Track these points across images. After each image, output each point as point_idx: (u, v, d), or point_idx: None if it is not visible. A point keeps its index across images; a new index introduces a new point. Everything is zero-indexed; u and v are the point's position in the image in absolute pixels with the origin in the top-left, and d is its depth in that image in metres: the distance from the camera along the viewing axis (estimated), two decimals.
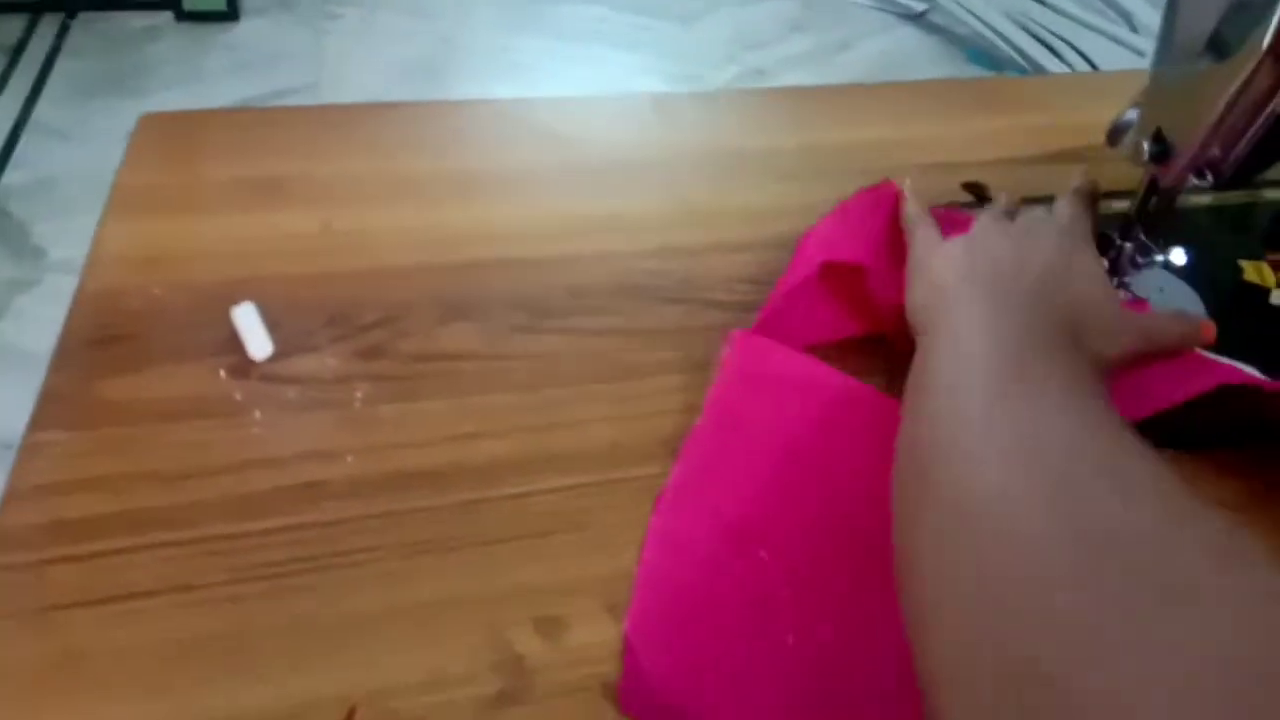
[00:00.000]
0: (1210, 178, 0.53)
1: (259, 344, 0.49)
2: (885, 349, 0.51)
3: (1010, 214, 0.51)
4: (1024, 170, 0.64)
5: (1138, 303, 0.53)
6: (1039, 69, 2.09)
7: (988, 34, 2.20)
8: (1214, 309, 0.54)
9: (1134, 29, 2.17)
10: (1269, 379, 0.47)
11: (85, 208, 0.56)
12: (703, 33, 2.29)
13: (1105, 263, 0.50)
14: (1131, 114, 0.54)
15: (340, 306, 0.52)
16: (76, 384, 0.47)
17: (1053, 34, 2.15)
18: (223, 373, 0.48)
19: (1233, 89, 0.48)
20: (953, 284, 0.44)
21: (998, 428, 0.35)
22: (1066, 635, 0.28)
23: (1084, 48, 2.10)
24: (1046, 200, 0.53)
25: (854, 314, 0.52)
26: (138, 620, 0.39)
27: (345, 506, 0.43)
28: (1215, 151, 0.52)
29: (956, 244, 0.48)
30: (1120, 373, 0.45)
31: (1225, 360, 0.48)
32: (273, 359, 0.49)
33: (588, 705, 0.38)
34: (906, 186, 0.54)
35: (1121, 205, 0.57)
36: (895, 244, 0.52)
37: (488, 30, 2.23)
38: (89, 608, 0.39)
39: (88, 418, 0.46)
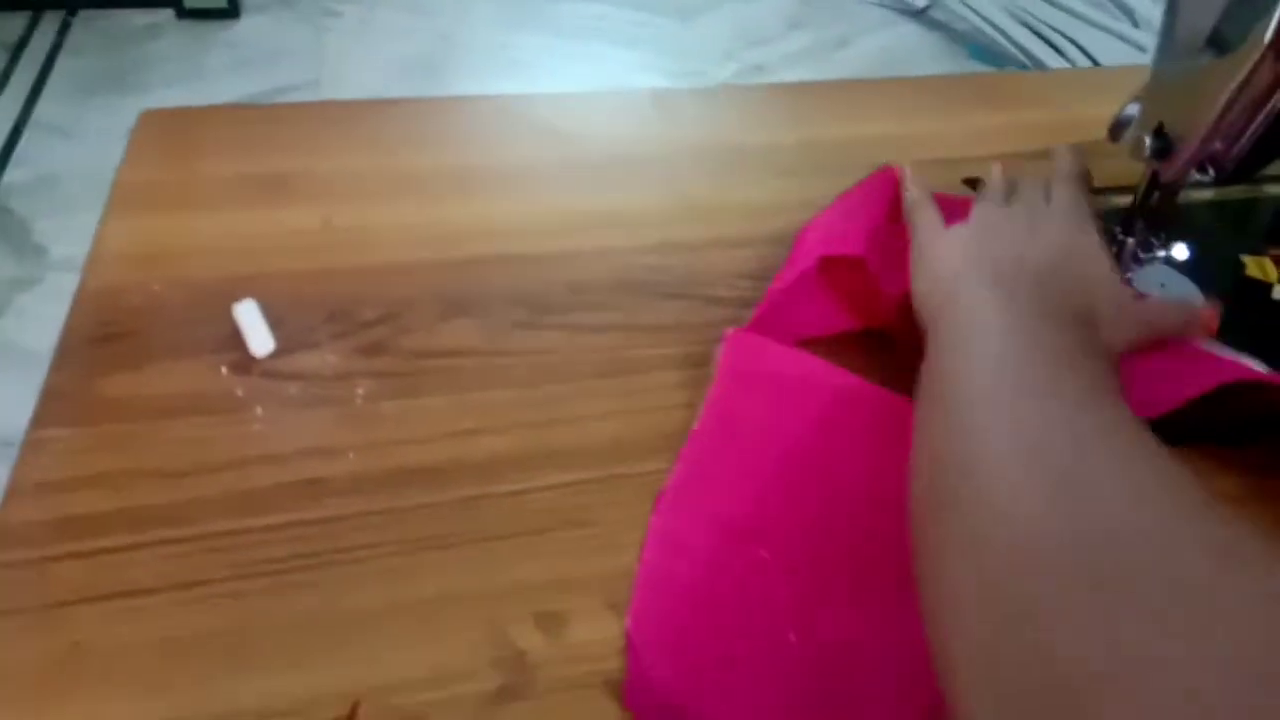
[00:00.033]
0: (1212, 173, 0.53)
1: (260, 340, 0.49)
2: (882, 344, 0.51)
3: (1008, 195, 0.51)
4: (1025, 166, 0.64)
5: (1139, 299, 0.53)
6: (1040, 65, 2.09)
7: (988, 30, 2.20)
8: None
9: (1135, 24, 2.17)
10: (1273, 373, 0.47)
11: (86, 205, 0.56)
12: (702, 29, 2.28)
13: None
14: (1133, 109, 0.54)
15: (341, 303, 0.52)
16: (78, 381, 0.47)
17: (1054, 30, 2.15)
18: (224, 369, 0.48)
19: (1234, 84, 0.48)
20: (957, 277, 0.44)
21: (1013, 441, 0.34)
22: (1076, 639, 0.28)
23: (1086, 43, 2.10)
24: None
25: (852, 308, 0.52)
26: (140, 617, 0.39)
27: (346, 503, 0.43)
28: (1217, 147, 0.52)
29: (959, 233, 0.47)
30: (1124, 363, 0.44)
31: (1229, 354, 0.49)
32: (274, 355, 0.49)
33: (589, 701, 0.38)
34: (907, 170, 0.54)
35: (1123, 201, 0.57)
36: (896, 233, 0.52)
37: (487, 27, 2.23)
38: (91, 604, 0.39)
39: (89, 415, 0.46)
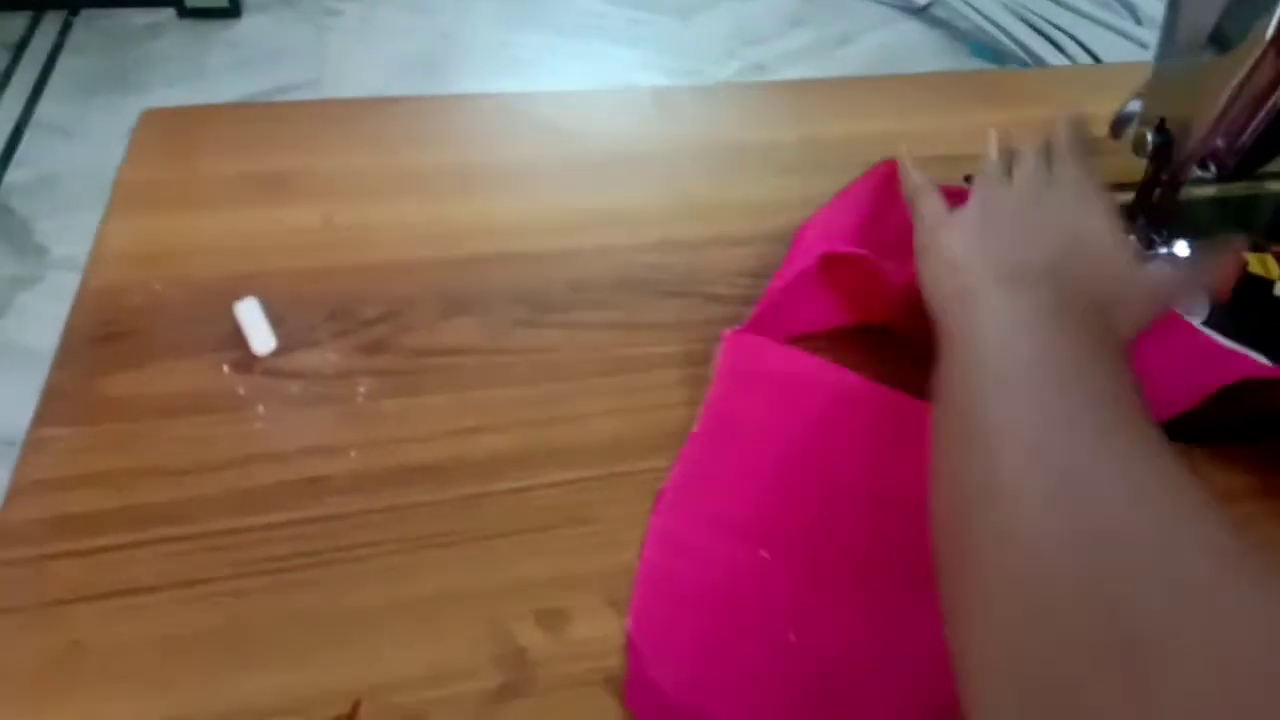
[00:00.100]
0: (1213, 170, 0.53)
1: (261, 339, 0.49)
2: (882, 340, 0.51)
3: (1008, 167, 0.49)
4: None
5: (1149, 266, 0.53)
6: (1041, 63, 2.08)
7: (989, 28, 2.20)
8: (1218, 301, 0.54)
9: (1139, 21, 2.17)
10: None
11: (88, 205, 0.56)
12: (702, 28, 2.28)
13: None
14: (1135, 106, 0.54)
15: (342, 301, 0.52)
16: (79, 380, 0.47)
17: (1056, 27, 2.15)
18: (225, 368, 0.48)
19: (1235, 81, 0.48)
20: (966, 270, 0.43)
21: (1022, 443, 0.34)
22: (1083, 644, 0.28)
23: (1088, 41, 2.10)
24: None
25: (853, 304, 0.52)
26: (140, 615, 0.39)
27: (348, 501, 0.43)
28: (1218, 143, 0.52)
29: (963, 219, 0.46)
30: (1138, 362, 0.43)
31: (1236, 349, 0.49)
32: (275, 354, 0.49)
33: (590, 698, 0.38)
34: (904, 156, 0.53)
35: (1125, 197, 0.57)
36: (898, 226, 0.51)
37: (487, 26, 2.23)
38: (91, 603, 0.39)
39: (91, 414, 0.46)
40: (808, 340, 0.50)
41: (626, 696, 0.38)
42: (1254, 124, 0.50)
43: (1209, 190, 0.63)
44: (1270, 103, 0.49)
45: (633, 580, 0.41)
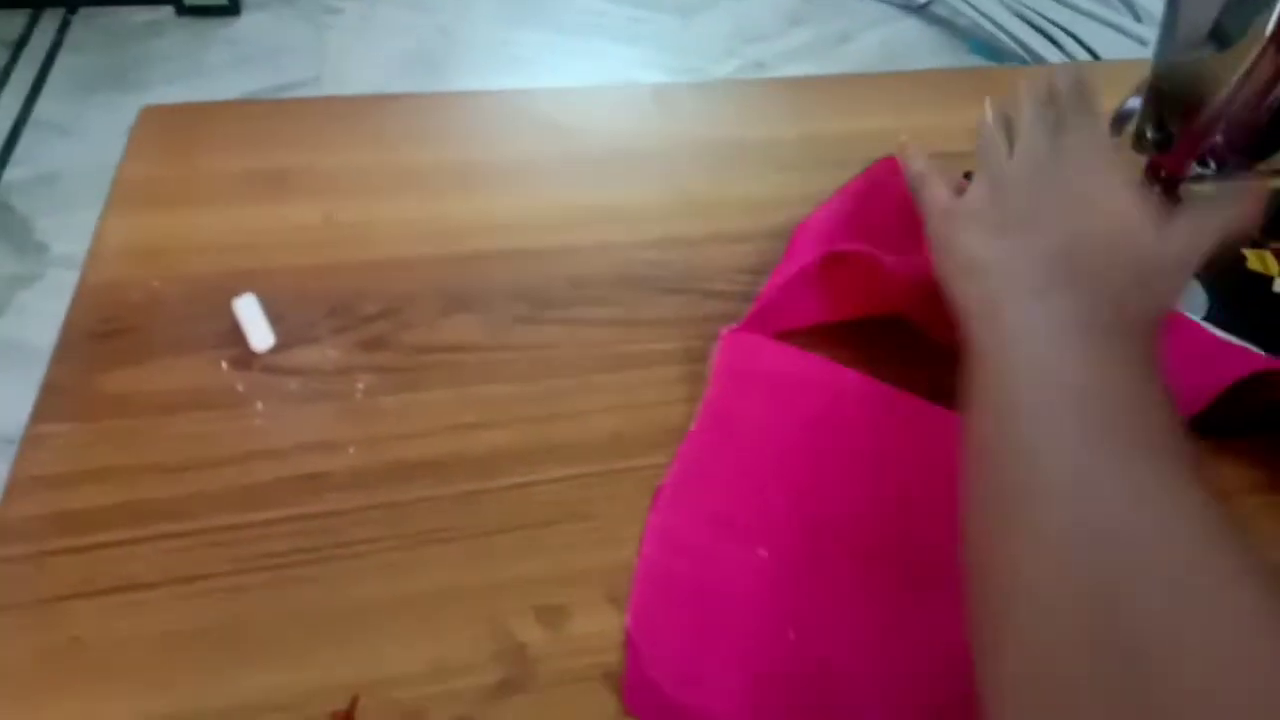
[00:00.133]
0: (1213, 166, 0.53)
1: (260, 335, 0.49)
2: (878, 335, 0.51)
3: (1008, 136, 0.46)
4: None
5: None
6: (1040, 61, 2.08)
7: (987, 25, 2.20)
8: (1217, 297, 0.54)
9: (1138, 18, 2.17)
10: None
11: (87, 203, 0.56)
12: (702, 26, 2.28)
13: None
14: (1134, 102, 0.54)
15: (342, 298, 0.52)
16: (78, 376, 0.47)
17: (1055, 24, 2.15)
18: (224, 364, 0.48)
19: (1235, 77, 0.48)
20: (984, 272, 0.40)
21: (1063, 469, 0.33)
22: (1085, 644, 0.28)
23: (1087, 38, 2.10)
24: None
25: (854, 297, 0.51)
26: (139, 611, 0.39)
27: (347, 497, 0.43)
28: (1218, 140, 0.52)
29: (969, 205, 0.44)
30: None
31: (1237, 342, 0.49)
32: (274, 350, 0.49)
33: (589, 694, 0.38)
34: (907, 145, 0.51)
35: None
36: (897, 223, 0.51)
37: (487, 24, 2.23)
38: (90, 599, 0.39)
39: (89, 410, 0.46)
40: (806, 335, 0.50)
41: (625, 694, 0.38)
42: (1254, 120, 0.50)
43: (1208, 187, 0.63)
44: (1270, 99, 0.49)
45: (632, 577, 0.41)
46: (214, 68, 2.04)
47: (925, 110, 0.69)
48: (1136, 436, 0.33)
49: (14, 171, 1.78)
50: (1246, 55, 0.47)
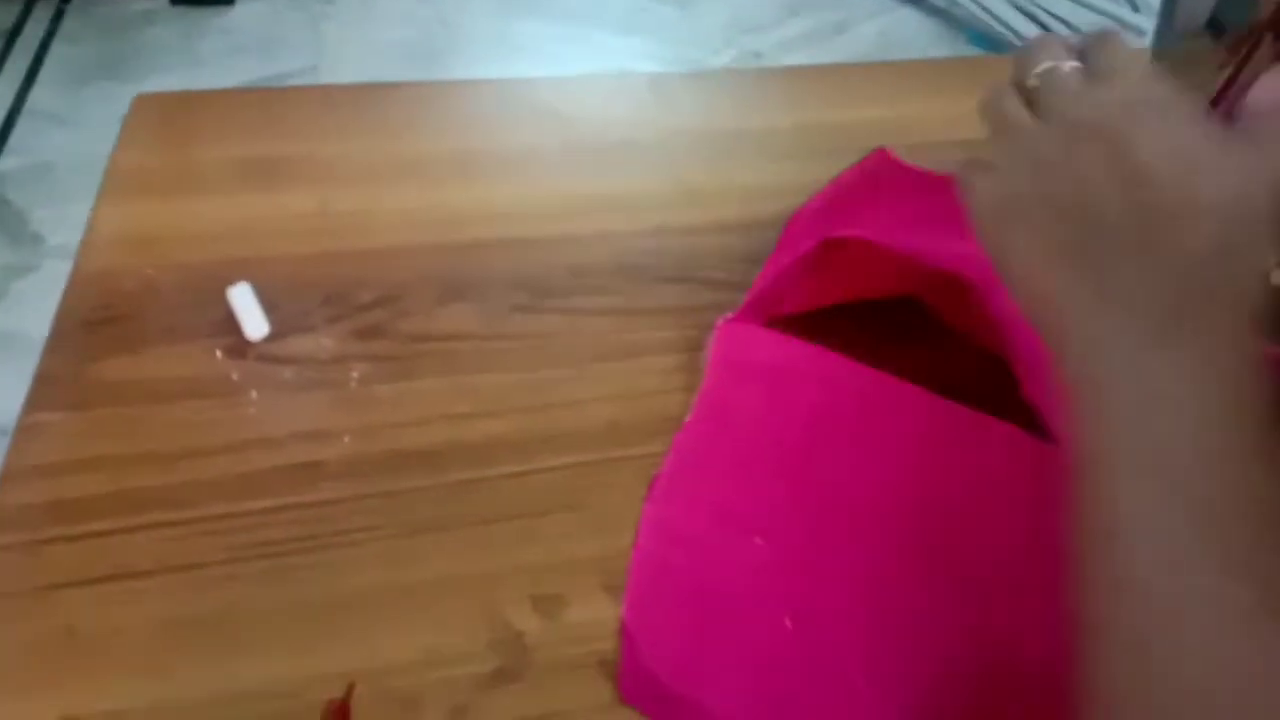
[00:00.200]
0: None
1: (255, 324, 0.48)
2: (874, 323, 0.51)
3: (1024, 96, 0.36)
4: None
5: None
6: None
7: (985, 16, 2.19)
8: None
9: (1136, 8, 2.16)
10: None
11: (82, 193, 0.56)
12: (700, 16, 2.27)
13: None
14: None
15: (337, 287, 0.52)
16: (72, 365, 0.47)
17: (1053, 15, 2.14)
18: (219, 353, 0.48)
19: (1232, 65, 0.48)
20: (1043, 293, 0.33)
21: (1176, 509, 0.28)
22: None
23: (1085, 29, 2.09)
24: None
25: (851, 281, 0.51)
26: (135, 599, 0.39)
27: (342, 486, 0.43)
28: None
29: (1010, 188, 0.34)
30: None
31: None
32: (269, 339, 0.49)
33: (585, 682, 0.38)
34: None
35: None
36: (897, 211, 0.51)
37: (485, 14, 2.22)
38: (86, 587, 0.39)
39: (84, 399, 0.45)
40: (802, 323, 0.50)
41: (621, 684, 0.38)
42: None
43: None
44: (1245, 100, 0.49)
45: (628, 565, 0.41)
46: (209, 58, 2.04)
47: (920, 99, 0.69)
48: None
49: (8, 161, 1.77)
50: (1244, 43, 0.47)
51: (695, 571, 0.41)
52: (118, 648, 0.37)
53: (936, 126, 0.66)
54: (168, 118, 0.62)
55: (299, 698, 0.36)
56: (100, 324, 0.49)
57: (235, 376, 0.47)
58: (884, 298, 0.51)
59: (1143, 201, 0.30)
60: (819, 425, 0.47)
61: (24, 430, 0.44)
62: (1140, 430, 0.29)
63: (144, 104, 0.63)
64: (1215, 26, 0.49)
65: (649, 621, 0.40)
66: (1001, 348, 0.45)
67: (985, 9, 2.20)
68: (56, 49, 2.03)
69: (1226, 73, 0.48)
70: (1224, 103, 0.49)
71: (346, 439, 0.45)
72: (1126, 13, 2.14)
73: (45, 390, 0.46)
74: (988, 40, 2.20)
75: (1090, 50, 0.35)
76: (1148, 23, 2.08)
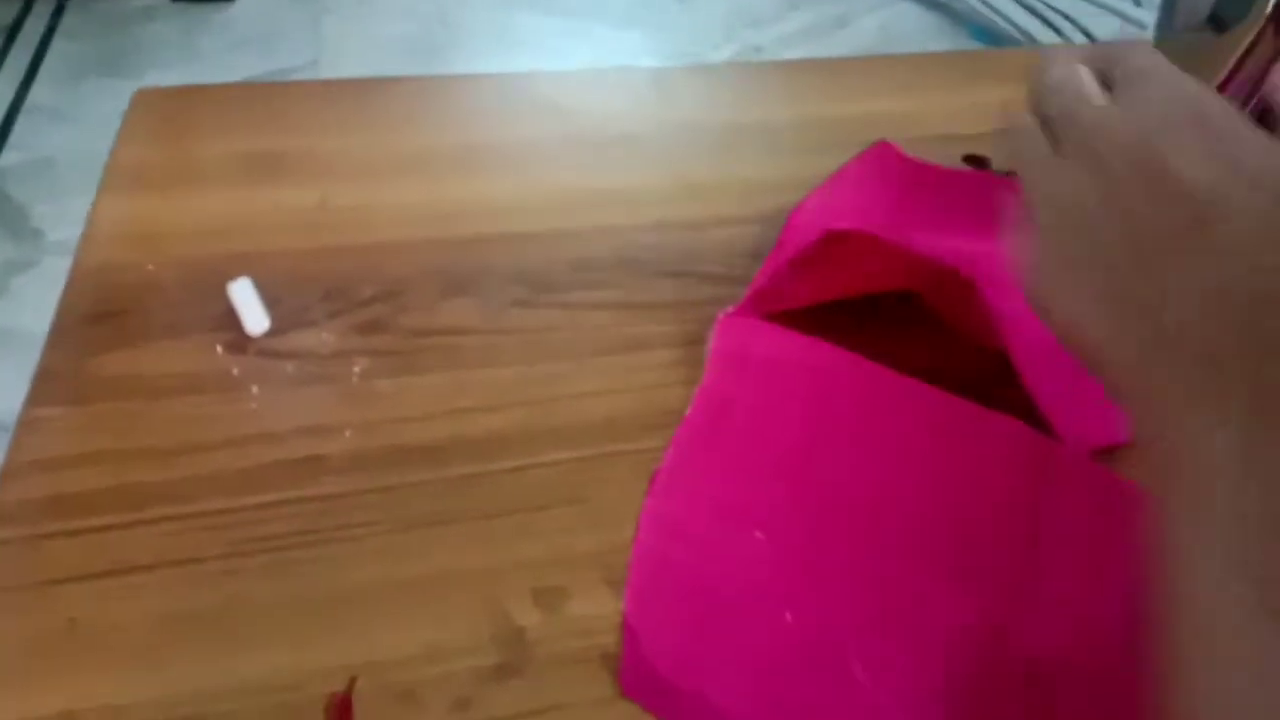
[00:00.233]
0: None
1: (255, 319, 0.48)
2: (875, 316, 0.51)
3: (1047, 129, 0.32)
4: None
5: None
6: (1039, 46, 2.08)
7: (984, 10, 2.19)
8: None
9: (1137, 2, 2.16)
10: None
11: (83, 189, 0.56)
12: (700, 11, 2.27)
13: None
14: None
15: (338, 281, 0.52)
16: (73, 360, 0.47)
17: (1054, 10, 2.14)
18: (219, 348, 0.48)
19: (1233, 59, 0.48)
20: (1095, 336, 0.29)
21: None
22: None
23: (1086, 23, 2.09)
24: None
25: (852, 275, 0.51)
26: (135, 594, 0.39)
27: (344, 481, 0.43)
28: None
29: (1054, 256, 0.30)
30: None
31: None
32: (270, 334, 0.49)
33: (587, 676, 0.38)
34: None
35: None
36: (891, 207, 0.51)
37: (485, 8, 2.22)
38: (86, 582, 0.39)
39: (84, 394, 0.45)
40: (803, 317, 0.50)
41: (622, 678, 0.38)
42: (1252, 103, 0.50)
43: None
44: (1268, 82, 0.49)
45: (629, 559, 0.41)
46: (209, 53, 2.04)
47: (922, 93, 0.69)
48: None
49: (9, 157, 1.77)
50: (1245, 38, 0.47)
51: (696, 565, 0.41)
52: (118, 642, 0.37)
53: (938, 120, 0.66)
54: (168, 113, 0.62)
55: (300, 691, 0.36)
56: (100, 319, 0.49)
57: (236, 372, 0.47)
58: (885, 292, 0.51)
59: (1192, 218, 0.26)
60: (820, 419, 0.47)
61: (24, 425, 0.44)
62: (1207, 504, 0.25)
63: (144, 99, 0.63)
64: (1216, 21, 0.49)
65: (650, 615, 0.40)
66: (1001, 343, 0.45)
67: (986, 3, 2.19)
68: (57, 45, 2.03)
69: (1228, 67, 0.48)
70: (1223, 96, 0.49)
71: (347, 434, 0.45)
72: (1128, 6, 2.13)
73: (46, 385, 0.46)
74: (989, 34, 2.20)
75: (1107, 60, 0.32)
76: (1149, 16, 2.07)
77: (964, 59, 0.79)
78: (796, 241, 0.50)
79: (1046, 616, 0.40)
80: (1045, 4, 2.15)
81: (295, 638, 0.38)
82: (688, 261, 0.55)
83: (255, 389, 0.46)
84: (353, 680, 0.37)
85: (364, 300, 0.51)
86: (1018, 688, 0.38)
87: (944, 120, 0.66)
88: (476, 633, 0.39)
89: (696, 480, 0.44)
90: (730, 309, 0.50)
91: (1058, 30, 2.10)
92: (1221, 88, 0.48)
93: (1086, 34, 2.08)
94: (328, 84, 0.66)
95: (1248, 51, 0.47)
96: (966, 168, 0.61)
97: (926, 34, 2.24)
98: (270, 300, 0.49)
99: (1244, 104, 0.50)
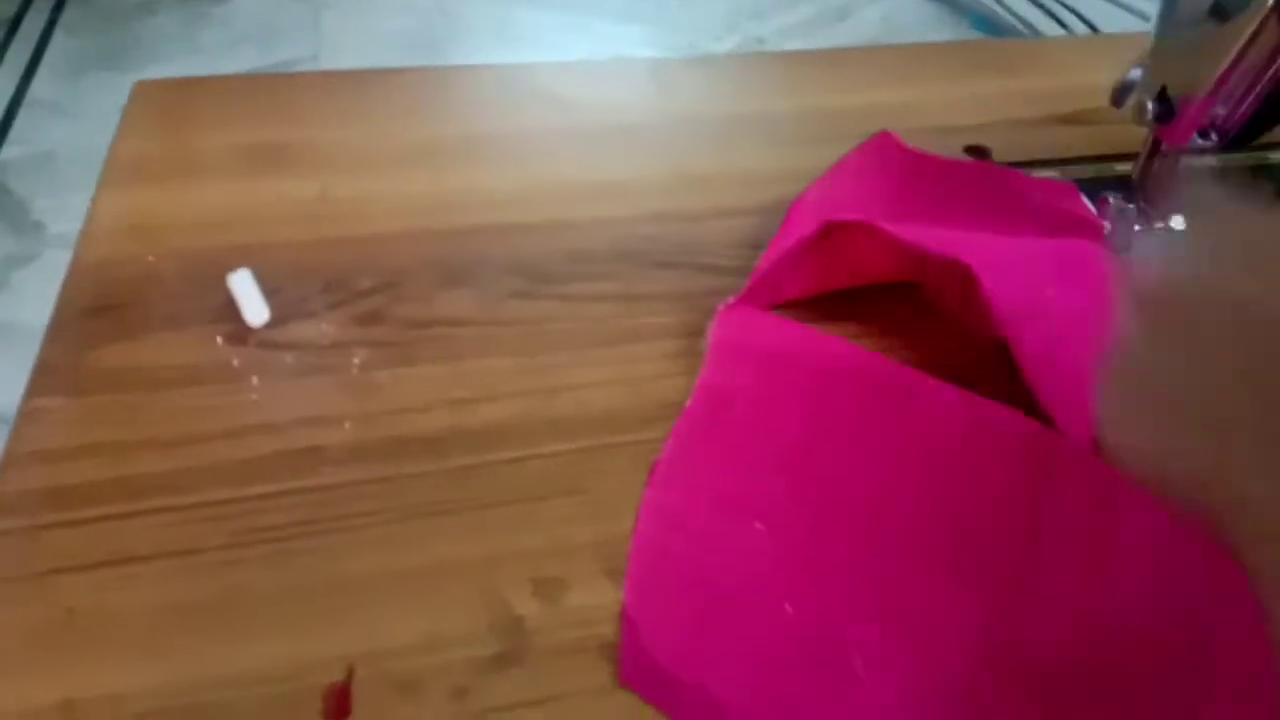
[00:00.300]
0: (1214, 139, 0.52)
1: (255, 310, 0.48)
2: (876, 307, 0.51)
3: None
4: (1026, 133, 0.64)
5: None
6: (1041, 37, 2.07)
7: (986, 0, 2.18)
8: None
9: None
10: None
11: (83, 183, 0.56)
12: (701, 3, 2.27)
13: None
14: (1136, 74, 0.54)
15: (338, 273, 0.52)
16: (73, 352, 0.47)
17: (1058, 1, 2.13)
18: (219, 339, 0.48)
19: (1236, 48, 0.48)
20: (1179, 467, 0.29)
21: None
22: None
23: (1088, 13, 2.09)
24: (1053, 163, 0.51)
25: (852, 265, 0.51)
26: (135, 584, 0.39)
27: (343, 471, 0.43)
28: (1219, 112, 0.51)
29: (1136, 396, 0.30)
30: None
31: None
32: (269, 325, 0.49)
33: (586, 665, 0.38)
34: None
35: (1124, 168, 0.57)
36: (899, 196, 0.51)
37: (485, 2, 2.21)
38: (86, 572, 0.39)
39: (84, 385, 0.45)
40: (804, 308, 0.50)
41: (621, 668, 0.38)
42: (1255, 92, 0.50)
43: (1209, 160, 0.63)
44: (1271, 70, 0.48)
45: (628, 550, 0.41)
46: (209, 48, 2.04)
47: (922, 84, 0.69)
48: None
49: (9, 151, 1.77)
50: (1248, 25, 0.47)
51: (696, 557, 0.41)
52: (118, 632, 0.37)
53: (938, 111, 0.66)
54: (168, 104, 0.62)
55: (299, 681, 0.36)
56: (101, 311, 0.49)
57: (236, 363, 0.47)
58: (886, 283, 0.51)
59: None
60: (821, 410, 0.47)
61: (24, 416, 0.44)
62: None
63: (144, 91, 0.62)
64: (1219, 11, 0.49)
65: (649, 606, 0.40)
66: (1001, 335, 0.45)
67: None
68: (57, 39, 2.03)
69: (1231, 57, 0.48)
70: (1225, 88, 0.49)
71: (347, 424, 0.45)
72: None
73: (46, 377, 0.46)
74: (990, 25, 2.19)
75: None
76: (1151, 7, 2.07)
77: (965, 49, 0.79)
78: (797, 232, 0.50)
79: (1047, 610, 0.40)
80: None
81: (294, 627, 0.38)
82: (687, 253, 0.55)
83: (255, 380, 0.46)
84: (351, 669, 0.37)
85: (363, 291, 0.51)
86: (1017, 681, 0.38)
87: (945, 111, 0.66)
88: (475, 622, 0.39)
89: (696, 471, 0.44)
90: (730, 300, 0.50)
91: (1060, 20, 2.09)
92: (1224, 78, 0.48)
93: (1088, 23, 2.07)
94: (327, 75, 0.66)
95: (1250, 42, 0.47)
96: (968, 158, 0.61)
97: (928, 24, 2.23)
98: (270, 291, 0.49)
99: (1247, 94, 0.50)
